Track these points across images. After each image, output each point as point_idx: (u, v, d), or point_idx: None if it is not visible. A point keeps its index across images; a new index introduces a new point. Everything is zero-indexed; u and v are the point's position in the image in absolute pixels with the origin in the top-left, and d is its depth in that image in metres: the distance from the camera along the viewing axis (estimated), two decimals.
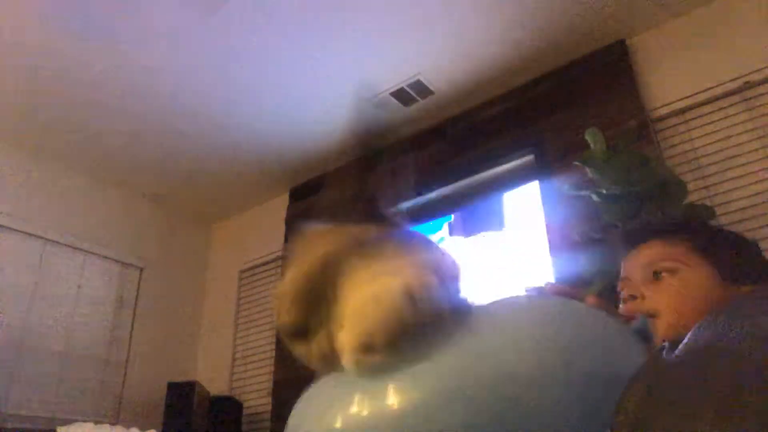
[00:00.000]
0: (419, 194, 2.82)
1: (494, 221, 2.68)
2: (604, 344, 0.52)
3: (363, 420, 0.48)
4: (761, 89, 2.10)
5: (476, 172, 2.75)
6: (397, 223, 0.78)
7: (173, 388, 2.97)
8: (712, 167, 2.12)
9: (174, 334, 3.58)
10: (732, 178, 2.06)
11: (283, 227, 3.46)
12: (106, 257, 3.35)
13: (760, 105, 2.09)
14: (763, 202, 1.98)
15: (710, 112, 2.19)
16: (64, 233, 3.17)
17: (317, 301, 0.64)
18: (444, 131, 2.96)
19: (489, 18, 2.35)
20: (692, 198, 2.01)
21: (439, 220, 2.86)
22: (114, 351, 3.25)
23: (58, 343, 3.01)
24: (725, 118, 2.15)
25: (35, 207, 3.09)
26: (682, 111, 2.24)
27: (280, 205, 3.56)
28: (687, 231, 0.78)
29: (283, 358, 3.10)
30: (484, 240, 2.68)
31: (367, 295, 0.56)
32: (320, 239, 0.70)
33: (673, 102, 2.26)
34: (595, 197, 1.95)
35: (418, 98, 2.79)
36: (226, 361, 3.48)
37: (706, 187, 2.10)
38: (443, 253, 0.68)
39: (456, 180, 2.81)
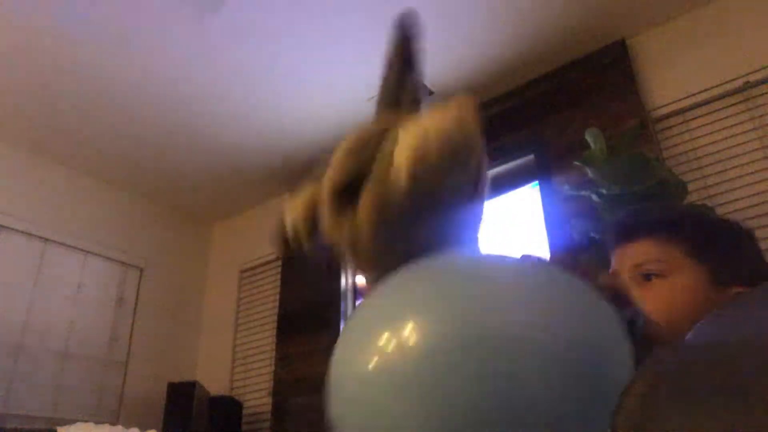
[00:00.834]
0: None
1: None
2: (589, 316, 0.52)
3: (390, 366, 0.48)
4: (761, 89, 2.10)
5: None
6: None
7: (173, 388, 2.97)
8: (712, 167, 2.12)
9: (174, 334, 3.58)
10: (732, 178, 2.06)
11: None
12: (106, 257, 3.35)
13: (760, 105, 2.09)
14: (763, 202, 1.98)
15: (710, 112, 2.19)
16: (64, 233, 3.17)
17: (369, 159, 0.66)
18: None
19: (489, 18, 2.35)
20: (692, 198, 2.02)
21: None
22: (114, 351, 3.25)
23: (58, 343, 3.01)
24: (725, 118, 2.15)
25: (35, 207, 3.09)
26: (682, 111, 2.24)
27: (280, 205, 3.55)
28: (682, 230, 0.75)
29: (283, 357, 3.11)
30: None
31: (421, 123, 0.61)
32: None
33: (673, 102, 2.26)
34: (595, 197, 1.95)
35: None
36: (226, 361, 3.48)
37: (706, 187, 2.10)
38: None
39: None
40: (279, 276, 3.39)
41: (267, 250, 3.52)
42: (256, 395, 3.24)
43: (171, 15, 2.29)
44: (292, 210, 0.70)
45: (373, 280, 0.66)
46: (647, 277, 0.73)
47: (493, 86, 2.73)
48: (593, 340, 0.50)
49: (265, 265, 3.56)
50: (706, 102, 2.20)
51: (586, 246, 1.97)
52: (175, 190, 3.60)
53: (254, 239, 3.67)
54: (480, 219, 0.70)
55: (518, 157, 2.65)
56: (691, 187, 1.99)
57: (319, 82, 2.69)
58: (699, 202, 2.00)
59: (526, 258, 0.70)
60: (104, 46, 2.44)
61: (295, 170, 3.38)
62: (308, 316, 3.10)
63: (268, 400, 3.13)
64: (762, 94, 2.10)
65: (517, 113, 2.69)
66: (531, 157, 2.60)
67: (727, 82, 2.15)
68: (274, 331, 3.26)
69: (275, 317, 3.30)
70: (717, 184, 2.09)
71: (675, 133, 2.25)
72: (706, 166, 2.13)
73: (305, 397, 2.87)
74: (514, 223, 2.60)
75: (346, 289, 3.05)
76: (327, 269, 3.06)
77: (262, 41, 2.44)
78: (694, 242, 0.73)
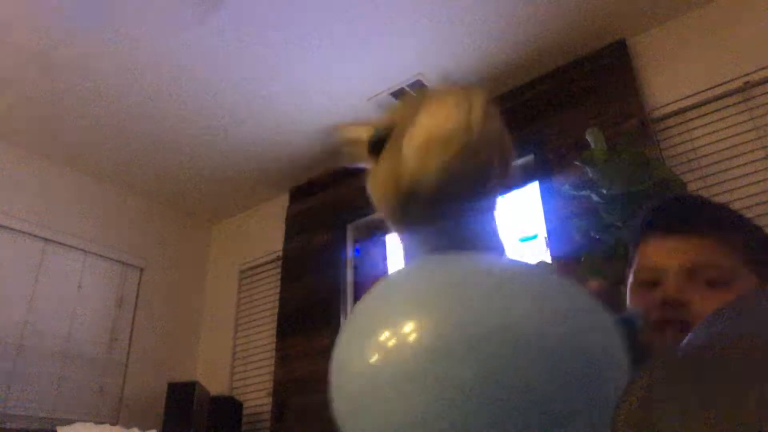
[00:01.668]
0: None
1: None
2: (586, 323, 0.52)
3: (392, 360, 0.48)
4: (761, 89, 2.10)
5: None
6: None
7: (173, 388, 2.97)
8: (712, 167, 2.12)
9: (174, 334, 3.58)
10: (732, 178, 2.06)
11: (283, 227, 3.46)
12: (106, 257, 3.35)
13: (760, 105, 2.09)
14: (763, 202, 1.98)
15: (710, 112, 2.19)
16: (64, 233, 3.17)
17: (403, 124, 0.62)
18: None
19: (489, 18, 2.35)
20: None
21: None
22: (114, 351, 3.25)
23: (58, 343, 3.01)
24: (725, 118, 2.15)
25: (35, 207, 3.09)
26: (682, 111, 2.24)
27: (280, 205, 3.56)
28: (741, 233, 0.67)
29: (283, 357, 3.11)
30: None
31: (423, 125, 0.57)
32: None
33: (673, 102, 2.26)
34: (595, 197, 1.95)
35: None
36: (226, 361, 3.48)
37: (706, 187, 2.10)
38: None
39: None
40: (279, 276, 3.39)
41: (267, 250, 3.53)
42: (256, 395, 3.24)
43: (171, 16, 2.29)
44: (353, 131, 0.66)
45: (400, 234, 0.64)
46: (712, 284, 0.64)
47: (494, 86, 2.73)
48: (594, 342, 0.50)
49: (265, 265, 3.56)
50: (706, 102, 2.20)
51: (587, 244, 1.97)
52: (175, 190, 3.60)
53: (254, 239, 3.67)
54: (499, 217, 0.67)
55: (518, 157, 2.64)
56: (691, 186, 1.99)
57: (318, 83, 2.69)
58: None
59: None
60: (104, 47, 2.44)
61: (294, 171, 3.38)
62: (308, 316, 3.10)
63: (268, 400, 3.13)
64: (762, 94, 2.10)
65: (517, 113, 2.69)
66: (531, 157, 2.60)
67: (727, 82, 2.16)
68: (274, 331, 3.26)
69: (275, 317, 3.30)
70: (717, 183, 2.09)
71: (675, 133, 2.25)
72: (706, 166, 2.13)
73: (305, 397, 2.87)
74: (514, 223, 2.60)
75: (346, 289, 3.06)
76: None
77: (262, 42, 2.44)
78: (755, 249, 0.66)
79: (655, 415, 0.29)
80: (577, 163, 2.02)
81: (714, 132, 2.16)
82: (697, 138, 2.19)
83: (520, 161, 2.65)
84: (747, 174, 2.04)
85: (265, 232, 3.58)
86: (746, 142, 2.08)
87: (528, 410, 0.44)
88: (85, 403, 3.04)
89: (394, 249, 2.92)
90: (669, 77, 2.32)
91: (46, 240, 3.10)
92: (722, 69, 2.18)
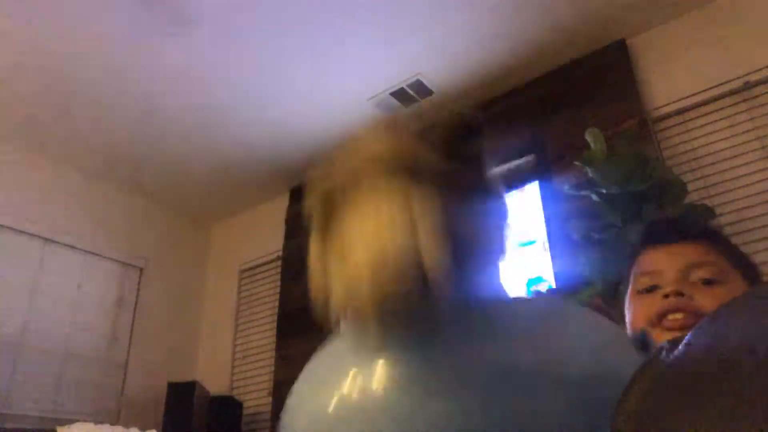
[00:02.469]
0: None
1: None
2: (605, 348, 0.50)
3: (354, 404, 0.47)
4: (761, 89, 2.10)
5: None
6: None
7: (173, 388, 2.97)
8: (712, 167, 2.12)
9: (174, 334, 3.58)
10: (732, 178, 2.06)
11: (283, 227, 3.46)
12: (106, 257, 3.35)
13: (760, 105, 2.09)
14: (763, 202, 1.98)
15: (710, 112, 2.19)
16: (64, 233, 3.17)
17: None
18: None
19: (489, 18, 2.35)
20: (692, 198, 2.02)
21: None
22: (114, 351, 3.25)
23: (58, 343, 3.01)
24: (725, 118, 2.15)
25: (35, 207, 3.09)
26: (682, 111, 2.24)
27: (280, 205, 3.56)
28: (722, 241, 0.76)
29: (283, 357, 3.11)
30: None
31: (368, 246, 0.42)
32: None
33: (673, 102, 2.26)
34: (595, 197, 1.95)
35: (418, 98, 2.79)
36: (226, 361, 3.48)
37: (706, 187, 2.10)
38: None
39: None
40: (279, 276, 3.39)
41: (267, 250, 3.53)
42: (256, 395, 3.24)
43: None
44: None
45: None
46: (707, 282, 0.71)
47: (494, 86, 2.73)
48: (611, 370, 0.47)
49: (265, 265, 3.56)
50: (706, 102, 2.20)
51: (588, 243, 1.97)
52: (175, 190, 3.60)
53: (254, 239, 3.67)
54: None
55: (518, 157, 2.65)
56: (690, 187, 1.99)
57: (319, 83, 2.69)
58: (699, 202, 2.00)
59: (537, 294, 0.68)
60: (105, 45, 2.44)
61: (294, 171, 3.38)
62: (308, 316, 3.08)
63: (268, 400, 3.13)
64: (762, 94, 2.10)
65: (517, 113, 2.69)
66: (531, 157, 2.60)
67: (726, 82, 2.16)
68: (274, 331, 3.26)
69: (275, 317, 3.30)
70: (716, 184, 2.09)
71: (674, 133, 2.25)
72: (706, 166, 2.13)
73: None
74: (514, 224, 2.60)
75: None
76: None
77: (262, 42, 2.44)
78: (734, 255, 0.74)
79: (656, 416, 0.29)
80: (577, 163, 2.02)
81: (714, 132, 2.16)
82: (697, 138, 2.19)
83: (520, 161, 2.65)
84: (747, 174, 2.04)
85: (265, 232, 3.58)
86: (746, 142, 2.08)
87: None
88: (85, 403, 3.04)
89: None
90: (669, 77, 2.32)
91: (46, 240, 3.10)
92: (722, 69, 2.18)
